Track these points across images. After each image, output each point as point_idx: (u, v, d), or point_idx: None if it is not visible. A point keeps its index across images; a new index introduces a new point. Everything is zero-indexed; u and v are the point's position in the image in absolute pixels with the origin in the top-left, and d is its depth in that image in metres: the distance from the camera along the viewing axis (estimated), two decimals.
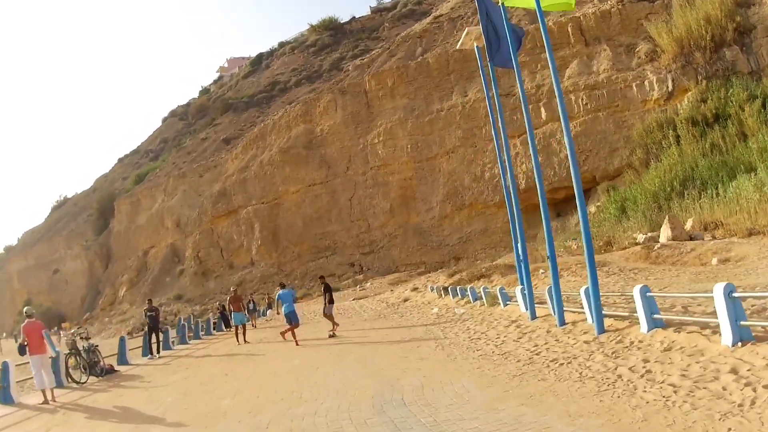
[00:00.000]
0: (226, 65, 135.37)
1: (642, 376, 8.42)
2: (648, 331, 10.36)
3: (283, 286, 22.31)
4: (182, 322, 33.69)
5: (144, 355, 23.01)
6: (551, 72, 13.31)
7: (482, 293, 22.30)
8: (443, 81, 51.92)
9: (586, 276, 21.14)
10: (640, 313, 10.62)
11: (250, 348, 21.70)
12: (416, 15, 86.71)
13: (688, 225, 24.62)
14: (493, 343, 13.81)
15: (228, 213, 69.10)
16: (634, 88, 40.59)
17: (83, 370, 17.28)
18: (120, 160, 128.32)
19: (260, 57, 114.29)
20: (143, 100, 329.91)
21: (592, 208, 38.21)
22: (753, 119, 31.36)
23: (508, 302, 19.45)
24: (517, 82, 15.65)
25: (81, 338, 18.73)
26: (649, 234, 25.12)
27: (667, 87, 38.74)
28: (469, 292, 24.22)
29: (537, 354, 11.57)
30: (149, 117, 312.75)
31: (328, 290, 23.13)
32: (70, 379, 16.98)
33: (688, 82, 37.59)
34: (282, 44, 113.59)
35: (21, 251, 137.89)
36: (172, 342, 28.13)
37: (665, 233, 23.92)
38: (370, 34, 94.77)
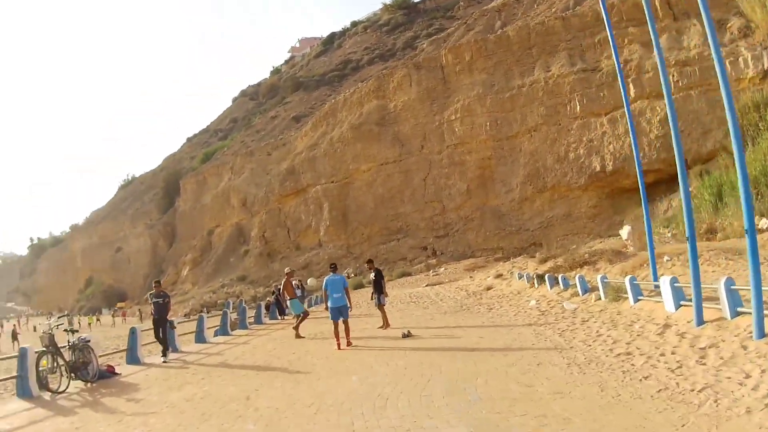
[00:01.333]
0: (297, 45, 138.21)
1: None
2: None
3: (334, 269, 17.88)
4: (227, 308, 29.65)
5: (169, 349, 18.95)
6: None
7: (600, 284, 19.18)
8: (524, 55, 50.78)
9: (725, 266, 17.47)
10: None
11: (298, 348, 17.62)
12: None
13: None
14: (664, 366, 9.86)
15: (296, 192, 69.66)
16: (728, 65, 38.23)
17: (65, 374, 13.44)
18: (189, 139, 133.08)
19: (332, 36, 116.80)
20: (215, 82, 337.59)
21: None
22: None
23: (640, 297, 16.26)
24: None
25: (67, 331, 14.70)
26: None
27: (763, 65, 36.99)
28: (577, 282, 21.05)
29: None
30: (220, 98, 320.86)
31: (380, 278, 20.90)
32: (42, 387, 13.08)
33: None
34: (354, 24, 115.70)
35: (85, 230, 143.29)
36: (216, 331, 24.95)
37: None
38: (444, 12, 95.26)
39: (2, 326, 68.92)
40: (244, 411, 9.72)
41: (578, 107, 45.38)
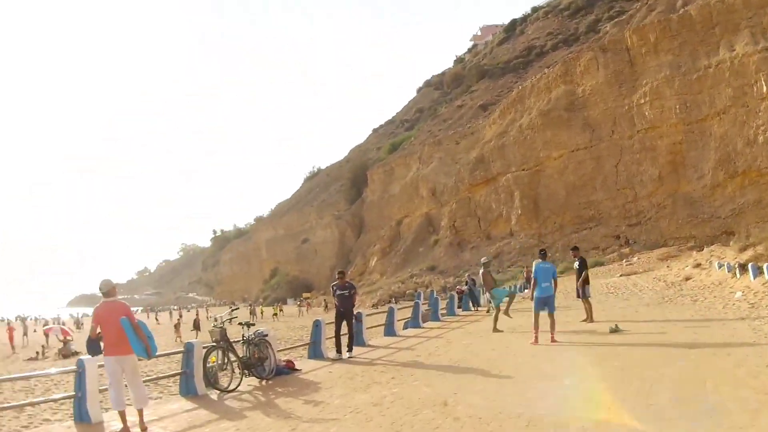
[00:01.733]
0: (479, 33, 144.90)
1: None
2: None
3: (543, 255, 17.77)
4: (418, 299, 29.08)
5: (355, 343, 18.54)
6: None
7: None
8: (708, 35, 52.14)
9: None
10: None
11: (498, 343, 17.42)
12: None
13: None
14: None
15: (486, 181, 73.75)
16: None
17: (237, 370, 13.31)
18: (374, 130, 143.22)
19: (513, 23, 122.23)
20: (399, 73, 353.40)
21: None
22: None
23: None
24: None
25: (241, 324, 14.63)
26: None
27: None
28: None
29: None
30: (404, 88, 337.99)
31: (584, 267, 21.00)
32: (209, 385, 12.94)
33: None
34: (535, 9, 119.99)
35: (270, 221, 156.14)
36: (405, 323, 25.11)
37: None
38: None
39: (181, 316, 72.83)
40: (442, 420, 9.10)
41: (765, 88, 46.11)
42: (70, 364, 11.01)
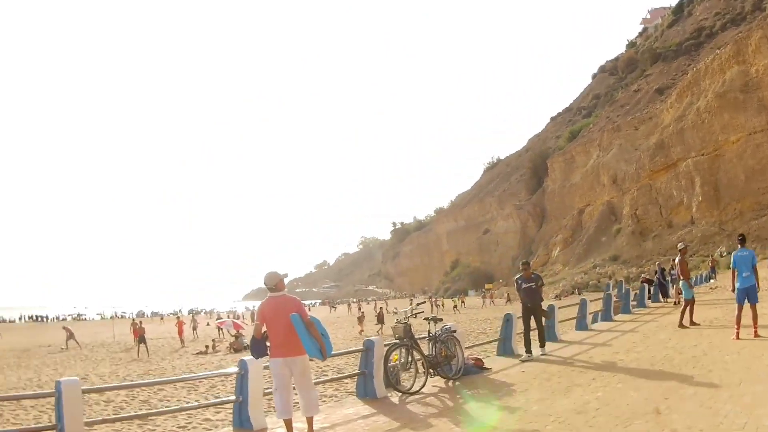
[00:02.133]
0: (648, 16, 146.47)
1: None
2: None
3: (742, 241, 16.66)
4: (608, 290, 28.56)
5: (537, 346, 16.99)
6: None
7: None
8: None
9: None
10: None
11: (699, 339, 16.58)
12: None
13: None
14: None
15: (666, 167, 75.54)
16: None
17: (421, 370, 12.69)
18: (552, 119, 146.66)
19: (681, 5, 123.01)
20: (572, 59, 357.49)
21: None
22: None
23: None
24: None
25: (428, 320, 13.86)
26: None
27: None
28: None
29: None
30: (579, 75, 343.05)
31: None
32: (390, 386, 12.31)
33: None
34: None
35: (450, 213, 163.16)
36: (593, 316, 24.38)
37: None
38: None
39: (360, 308, 73.42)
40: (659, 427, 8.23)
41: None
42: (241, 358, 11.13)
